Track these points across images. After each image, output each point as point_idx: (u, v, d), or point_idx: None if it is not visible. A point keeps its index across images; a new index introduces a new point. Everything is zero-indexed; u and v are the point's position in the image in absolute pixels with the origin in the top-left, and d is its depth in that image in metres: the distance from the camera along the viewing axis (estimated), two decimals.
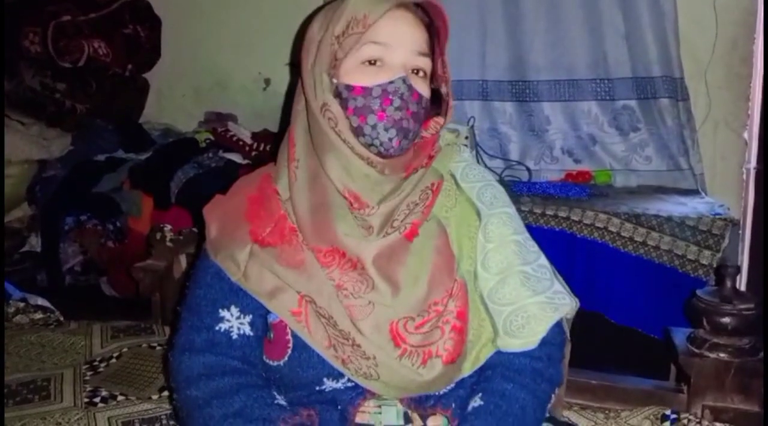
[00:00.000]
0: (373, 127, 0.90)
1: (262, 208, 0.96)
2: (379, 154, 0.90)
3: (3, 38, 2.44)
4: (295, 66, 0.99)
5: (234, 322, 0.94)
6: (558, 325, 0.96)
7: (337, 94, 0.92)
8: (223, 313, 0.94)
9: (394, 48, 0.91)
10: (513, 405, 0.90)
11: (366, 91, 0.90)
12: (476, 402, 0.91)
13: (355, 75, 0.91)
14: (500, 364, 0.94)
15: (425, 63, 0.94)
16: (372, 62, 0.91)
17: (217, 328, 0.94)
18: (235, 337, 0.94)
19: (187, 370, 0.93)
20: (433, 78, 0.98)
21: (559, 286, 0.98)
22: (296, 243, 0.93)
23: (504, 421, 0.88)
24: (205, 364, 0.92)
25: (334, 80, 0.92)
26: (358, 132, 0.90)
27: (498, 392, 0.91)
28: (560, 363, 0.99)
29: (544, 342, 0.94)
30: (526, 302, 0.94)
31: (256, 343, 0.96)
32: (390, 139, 0.89)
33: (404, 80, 0.90)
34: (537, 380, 0.93)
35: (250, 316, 0.95)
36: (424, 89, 0.93)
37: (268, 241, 0.93)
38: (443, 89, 0.99)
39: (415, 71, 0.93)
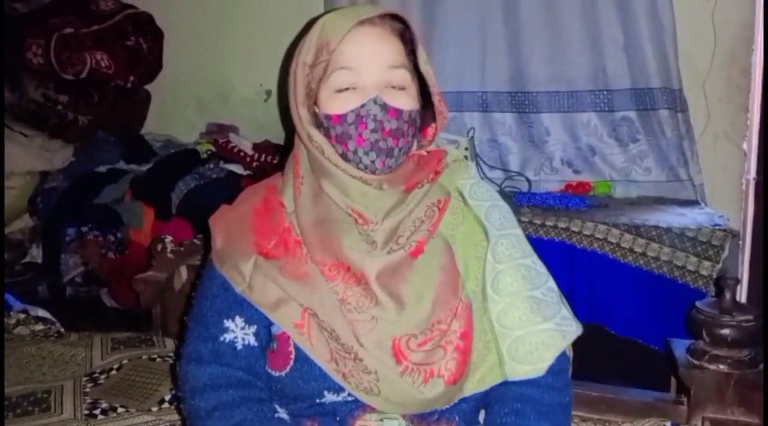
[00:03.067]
0: (354, 152, 0.91)
1: (267, 219, 0.97)
2: (370, 173, 0.91)
3: (4, 50, 2.46)
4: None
5: (239, 332, 0.95)
6: (564, 351, 0.97)
7: (320, 124, 0.93)
8: (228, 323, 0.95)
9: (362, 69, 0.91)
10: None
11: (341, 118, 0.90)
12: None
13: (331, 103, 0.92)
14: (532, 399, 0.94)
15: (401, 75, 0.92)
16: (345, 88, 0.91)
17: (222, 338, 0.95)
18: (240, 347, 0.95)
19: (193, 380, 0.94)
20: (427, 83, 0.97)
21: (565, 311, 0.98)
22: (300, 255, 0.93)
23: None
24: (210, 374, 0.93)
25: (316, 109, 0.93)
26: (343, 157, 0.91)
27: None
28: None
29: (559, 370, 0.95)
30: (535, 329, 0.93)
31: (261, 354, 0.96)
32: (372, 162, 0.90)
33: (375, 101, 0.89)
34: (565, 415, 0.96)
35: (255, 326, 0.95)
36: (404, 102, 0.92)
37: (273, 253, 0.94)
38: (434, 96, 0.97)
39: (394, 86, 0.92)
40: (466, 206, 1.01)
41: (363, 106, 0.90)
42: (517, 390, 0.95)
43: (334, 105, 0.91)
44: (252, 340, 0.95)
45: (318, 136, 0.92)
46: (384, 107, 0.90)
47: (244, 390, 0.93)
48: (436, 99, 0.97)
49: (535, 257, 1.01)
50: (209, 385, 0.93)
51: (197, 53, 2.85)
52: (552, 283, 1.00)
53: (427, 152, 1.01)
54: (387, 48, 0.92)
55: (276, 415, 0.93)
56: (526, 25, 2.34)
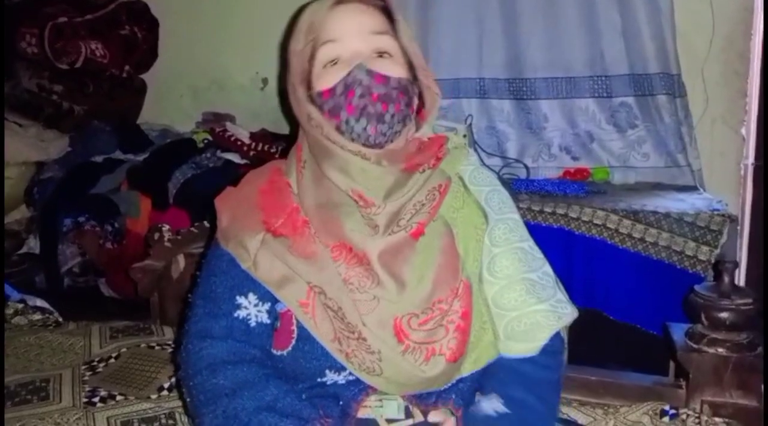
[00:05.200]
0: (347, 122, 0.91)
1: (274, 198, 0.97)
2: (366, 145, 0.91)
3: (3, 40, 2.44)
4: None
5: (252, 309, 0.94)
6: (558, 333, 0.98)
7: (314, 103, 0.94)
8: (241, 300, 0.94)
9: (345, 39, 0.92)
10: (534, 417, 0.92)
11: (332, 91, 0.91)
12: (499, 407, 0.92)
13: (322, 79, 0.93)
14: (518, 372, 0.95)
15: (386, 42, 0.94)
16: (333, 62, 0.92)
17: (235, 315, 0.94)
18: (253, 324, 0.94)
19: (209, 357, 0.92)
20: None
21: (561, 295, 0.99)
22: (308, 235, 0.93)
23: None
24: (228, 350, 0.92)
25: (310, 92, 0.94)
26: (339, 131, 0.92)
27: (519, 403, 0.92)
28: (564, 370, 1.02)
29: (553, 351, 0.96)
30: (530, 310, 0.95)
31: (273, 332, 0.96)
32: (364, 129, 0.90)
33: (360, 66, 0.90)
34: (552, 392, 0.96)
35: (269, 303, 0.95)
36: (392, 69, 0.92)
37: (281, 231, 0.93)
38: (418, 71, 0.97)
39: (379, 53, 0.93)
40: (467, 191, 1.02)
41: (349, 74, 0.90)
42: (507, 363, 0.95)
43: (323, 80, 0.93)
44: (265, 318, 0.94)
45: (316, 114, 0.93)
46: (370, 73, 0.90)
47: (265, 368, 0.92)
48: (421, 73, 0.97)
49: (531, 242, 1.02)
50: (228, 361, 0.91)
51: (193, 42, 2.83)
52: (548, 268, 1.01)
53: (429, 139, 1.00)
54: (368, 17, 0.94)
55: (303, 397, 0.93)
56: (523, 11, 2.33)
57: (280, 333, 0.95)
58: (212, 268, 0.98)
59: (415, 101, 0.97)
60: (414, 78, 0.96)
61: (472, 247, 0.98)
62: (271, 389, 0.89)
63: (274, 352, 0.95)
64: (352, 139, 0.91)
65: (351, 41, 0.92)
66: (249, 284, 0.94)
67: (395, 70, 0.93)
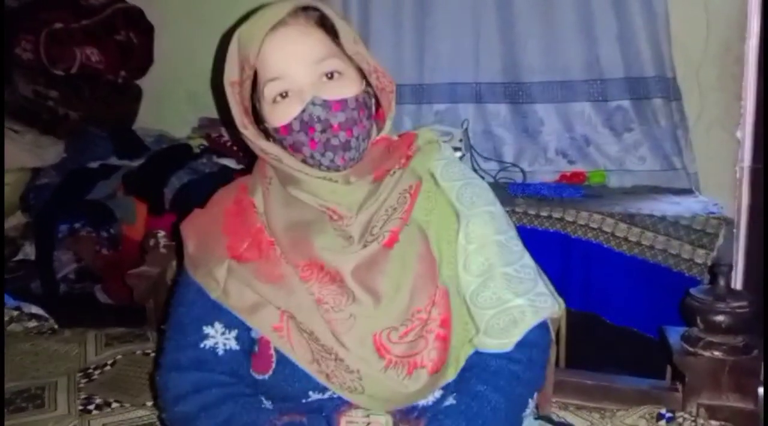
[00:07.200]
0: (311, 156, 0.90)
1: (238, 221, 0.95)
2: (334, 171, 0.90)
3: (3, 47, 2.44)
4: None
5: (219, 337, 0.93)
6: (543, 326, 0.94)
7: (271, 137, 0.92)
8: (208, 329, 0.93)
9: (290, 75, 0.89)
10: (484, 406, 0.88)
11: (288, 128, 0.89)
12: (449, 401, 0.90)
13: (274, 115, 0.91)
14: (478, 365, 0.92)
15: (332, 64, 0.91)
16: (282, 95, 0.90)
17: (202, 345, 0.93)
18: (221, 352, 0.93)
19: (174, 389, 0.92)
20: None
21: (542, 287, 0.95)
22: (274, 257, 0.92)
23: (473, 421, 0.86)
24: (193, 381, 0.91)
25: (264, 124, 0.93)
26: (304, 163, 0.91)
27: (471, 393, 0.89)
28: (542, 366, 0.97)
29: (526, 344, 0.92)
30: (506, 306, 0.92)
31: (244, 357, 0.95)
32: (332, 161, 0.89)
33: (314, 102, 0.88)
34: (513, 384, 0.91)
35: (236, 330, 0.94)
36: (345, 90, 0.90)
37: (246, 257, 0.92)
38: (370, 76, 0.94)
39: (329, 76, 0.90)
40: (438, 189, 0.99)
41: (304, 111, 0.88)
42: (476, 360, 0.93)
43: (276, 116, 0.90)
44: (233, 345, 0.93)
45: (271, 148, 0.92)
46: (325, 104, 0.88)
47: (227, 388, 0.92)
48: (373, 77, 0.94)
49: (510, 234, 0.98)
50: (192, 390, 0.91)
51: (188, 47, 2.83)
52: (527, 260, 0.98)
53: (399, 137, 0.99)
54: (307, 44, 0.90)
55: (262, 406, 0.92)
56: (519, 15, 2.33)
57: (259, 357, 0.94)
58: (180, 299, 0.97)
59: (374, 106, 0.96)
60: (367, 83, 0.95)
61: (445, 249, 0.95)
62: (228, 405, 0.89)
63: (256, 376, 0.94)
64: (319, 169, 0.90)
65: (296, 74, 0.89)
66: (215, 313, 0.93)
67: (349, 88, 0.91)
